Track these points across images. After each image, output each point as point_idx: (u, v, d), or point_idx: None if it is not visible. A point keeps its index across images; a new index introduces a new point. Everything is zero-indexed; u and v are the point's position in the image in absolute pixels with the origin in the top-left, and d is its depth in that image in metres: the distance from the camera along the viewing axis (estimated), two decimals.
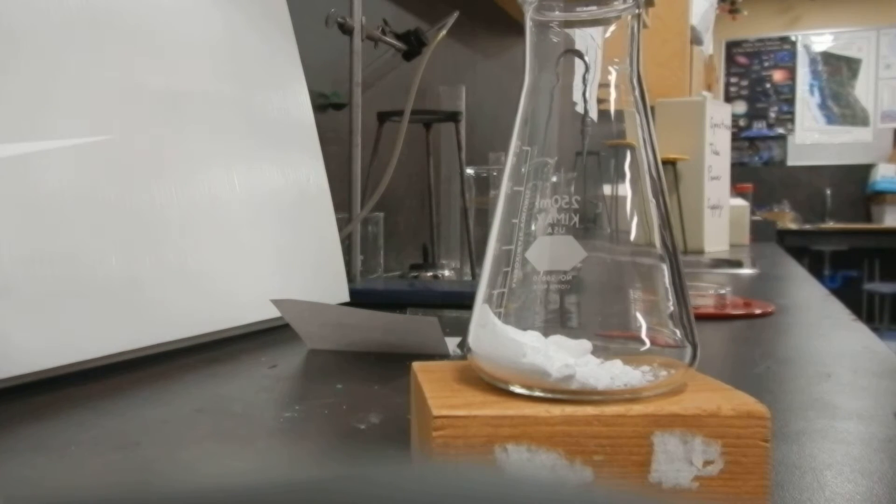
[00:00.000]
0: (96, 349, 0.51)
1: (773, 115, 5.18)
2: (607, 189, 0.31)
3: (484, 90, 1.62)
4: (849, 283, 4.73)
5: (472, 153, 1.39)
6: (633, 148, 0.31)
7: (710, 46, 3.19)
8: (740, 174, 4.16)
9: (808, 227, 4.72)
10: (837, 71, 5.07)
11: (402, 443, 0.36)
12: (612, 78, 0.31)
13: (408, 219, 1.30)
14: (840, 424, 0.40)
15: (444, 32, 1.05)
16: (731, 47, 5.24)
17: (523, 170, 0.32)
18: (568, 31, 0.32)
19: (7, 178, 0.48)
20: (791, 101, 5.15)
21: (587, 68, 0.31)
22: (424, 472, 0.09)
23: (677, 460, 0.26)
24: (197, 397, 0.46)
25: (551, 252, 0.30)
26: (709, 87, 3.21)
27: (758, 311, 0.80)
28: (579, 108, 0.31)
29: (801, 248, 4.37)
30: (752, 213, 2.48)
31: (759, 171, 5.06)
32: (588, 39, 0.32)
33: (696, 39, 2.67)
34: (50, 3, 0.53)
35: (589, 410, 0.27)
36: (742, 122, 5.14)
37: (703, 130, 1.86)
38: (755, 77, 5.23)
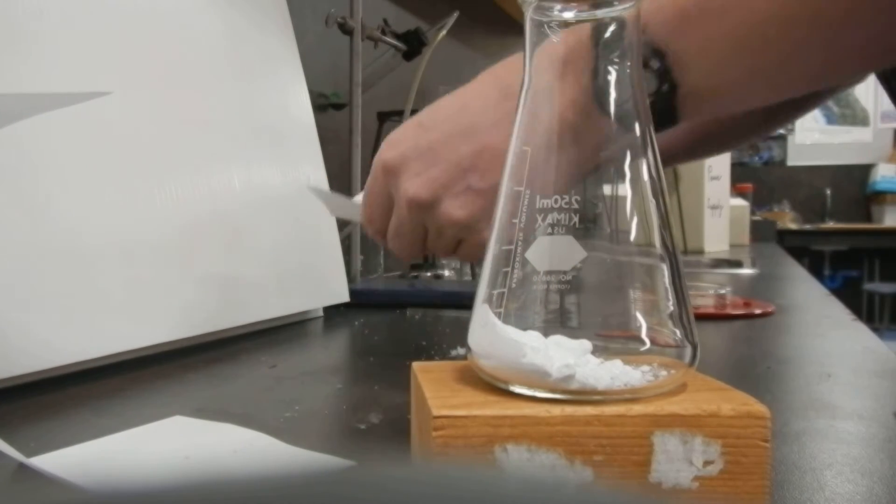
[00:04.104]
0: (96, 349, 0.51)
1: None
2: (607, 189, 0.31)
3: None
4: (849, 283, 4.73)
5: None
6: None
7: None
8: (740, 174, 4.16)
9: (808, 227, 4.72)
10: None
11: (402, 443, 0.36)
12: (612, 78, 0.31)
13: None
14: (840, 424, 0.40)
15: (444, 32, 1.05)
16: None
17: (523, 170, 0.32)
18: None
19: (8, 179, 0.48)
20: None
21: None
22: (424, 472, 0.09)
23: (677, 460, 0.26)
24: (197, 397, 0.47)
25: (551, 252, 0.30)
26: None
27: (758, 311, 0.80)
28: None
29: (801, 248, 4.36)
30: (752, 213, 2.48)
31: (759, 171, 5.05)
32: None
33: None
34: (49, 2, 0.53)
35: (589, 410, 0.27)
36: None
37: None
38: None
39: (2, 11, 0.49)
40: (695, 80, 0.37)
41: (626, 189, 0.31)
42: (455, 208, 0.44)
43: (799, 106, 0.63)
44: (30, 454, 0.33)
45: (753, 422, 0.27)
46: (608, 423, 0.26)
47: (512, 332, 0.29)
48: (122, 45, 0.58)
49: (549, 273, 0.30)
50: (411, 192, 0.45)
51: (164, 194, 0.59)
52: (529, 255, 0.30)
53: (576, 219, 0.30)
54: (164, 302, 0.57)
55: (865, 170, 4.89)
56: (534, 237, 0.31)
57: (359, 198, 0.53)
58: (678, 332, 0.30)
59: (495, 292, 0.31)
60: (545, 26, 0.32)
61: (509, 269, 0.31)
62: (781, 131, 5.11)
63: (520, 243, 0.31)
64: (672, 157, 0.65)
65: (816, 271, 4.32)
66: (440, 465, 0.09)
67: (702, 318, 0.76)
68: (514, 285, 0.31)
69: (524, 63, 0.33)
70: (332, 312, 0.79)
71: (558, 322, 0.30)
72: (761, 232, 2.49)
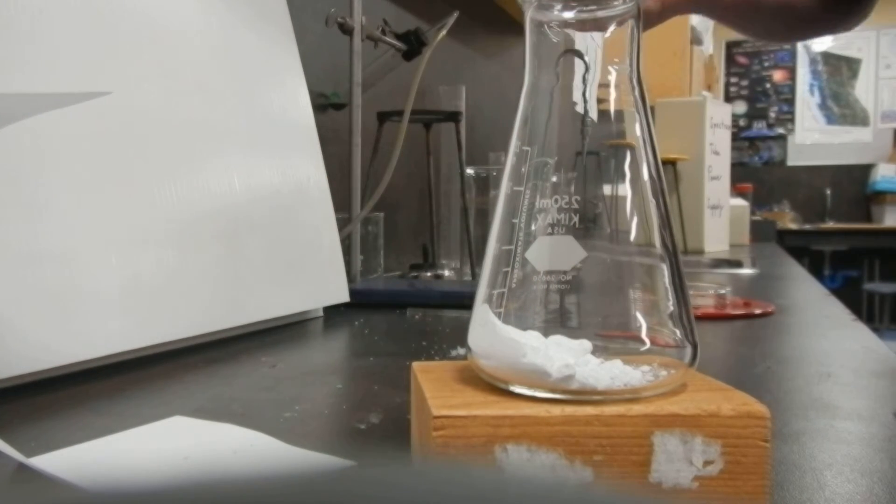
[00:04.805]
0: (97, 349, 0.51)
1: (773, 115, 5.18)
2: (607, 189, 0.31)
3: (484, 90, 1.62)
4: (849, 283, 4.73)
5: (472, 153, 1.39)
6: (633, 148, 0.31)
7: (710, 46, 3.20)
8: (740, 174, 4.16)
9: (808, 227, 4.72)
10: (837, 71, 5.07)
11: (402, 443, 0.36)
12: (612, 78, 0.31)
13: (408, 219, 1.30)
14: (840, 424, 0.40)
15: (444, 32, 1.05)
16: (731, 47, 5.24)
17: (523, 170, 0.32)
18: (568, 31, 0.32)
19: (7, 179, 0.48)
20: (791, 101, 5.15)
21: (587, 68, 0.31)
22: (424, 471, 0.09)
23: (677, 460, 0.26)
24: (197, 397, 0.47)
25: (551, 252, 0.30)
26: (709, 87, 3.21)
27: (758, 311, 0.80)
28: (579, 108, 0.31)
29: (801, 248, 4.36)
30: (752, 213, 2.48)
31: (759, 171, 5.05)
32: (588, 39, 0.32)
33: (696, 39, 2.67)
34: (49, 2, 0.53)
35: (589, 410, 0.27)
36: (742, 122, 5.15)
37: (703, 130, 1.86)
38: (755, 77, 5.23)
39: (2, 11, 0.49)
40: None
41: (626, 189, 0.31)
42: None
43: None
44: (30, 454, 0.33)
45: (753, 422, 0.27)
46: (608, 423, 0.26)
47: (512, 332, 0.29)
48: (122, 46, 0.58)
49: (549, 273, 0.30)
50: None
51: (164, 194, 0.59)
52: (529, 255, 0.30)
53: (576, 219, 0.30)
54: (164, 302, 0.57)
55: (865, 170, 4.89)
56: (534, 237, 0.31)
57: None
58: (678, 332, 0.30)
59: (495, 292, 0.31)
60: (545, 26, 0.32)
61: (509, 269, 0.31)
62: (781, 131, 5.11)
63: (520, 243, 0.31)
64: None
65: (816, 271, 4.32)
66: (440, 465, 0.09)
67: (702, 318, 0.76)
68: (514, 285, 0.31)
69: (525, 63, 0.33)
70: (332, 312, 0.79)
71: (558, 322, 0.30)
72: (761, 232, 2.49)
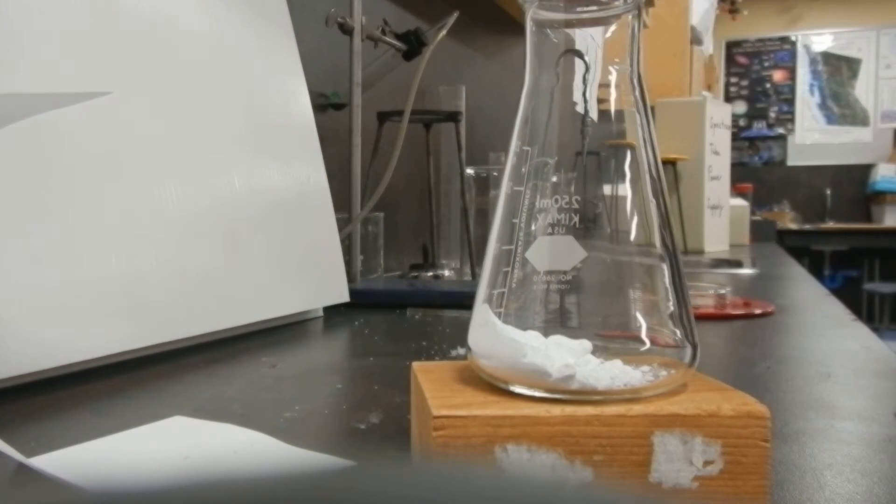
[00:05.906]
0: (96, 349, 0.51)
1: (773, 115, 5.18)
2: (607, 189, 0.31)
3: (484, 90, 1.62)
4: (849, 283, 4.73)
5: (472, 153, 1.39)
6: (633, 148, 0.31)
7: (710, 46, 3.20)
8: (740, 174, 4.16)
9: (808, 227, 4.72)
10: (837, 71, 5.07)
11: (402, 443, 0.36)
12: (613, 78, 0.31)
13: (408, 219, 1.30)
14: (840, 424, 0.40)
15: (444, 32, 1.05)
16: (731, 47, 5.25)
17: (523, 170, 0.32)
18: (568, 31, 0.32)
19: (8, 178, 0.48)
20: (791, 101, 5.15)
21: (587, 68, 0.31)
22: (424, 472, 0.09)
23: (677, 460, 0.26)
24: (197, 397, 0.47)
25: (551, 252, 0.30)
26: (709, 87, 3.21)
27: (758, 311, 0.80)
28: (579, 108, 0.31)
29: (801, 248, 4.37)
30: (752, 213, 2.48)
31: (759, 171, 5.06)
32: (588, 39, 0.32)
33: (696, 39, 2.67)
34: (49, 2, 0.53)
35: (589, 410, 0.27)
36: (742, 122, 5.15)
37: (703, 130, 1.86)
38: (755, 77, 5.23)
39: (2, 11, 0.49)
40: None
41: (626, 189, 0.31)
42: None
43: None
44: (30, 454, 0.33)
45: (753, 422, 0.27)
46: (608, 423, 0.26)
47: (512, 332, 0.29)
48: (122, 46, 0.58)
49: (549, 273, 0.30)
50: None
51: (164, 194, 0.59)
52: (529, 255, 0.30)
53: (576, 219, 0.30)
54: (164, 302, 0.57)
55: (865, 170, 4.90)
56: (534, 237, 0.31)
57: None
58: (678, 332, 0.30)
59: (495, 292, 0.31)
60: (545, 26, 0.32)
61: (509, 269, 0.31)
62: (781, 131, 5.11)
63: (520, 243, 0.31)
64: None
65: (816, 271, 4.32)
66: (440, 465, 0.09)
67: (702, 318, 0.76)
68: (514, 285, 0.31)
69: (525, 63, 0.33)
70: (332, 312, 0.79)
71: (558, 322, 0.30)
72: (761, 232, 2.49)
